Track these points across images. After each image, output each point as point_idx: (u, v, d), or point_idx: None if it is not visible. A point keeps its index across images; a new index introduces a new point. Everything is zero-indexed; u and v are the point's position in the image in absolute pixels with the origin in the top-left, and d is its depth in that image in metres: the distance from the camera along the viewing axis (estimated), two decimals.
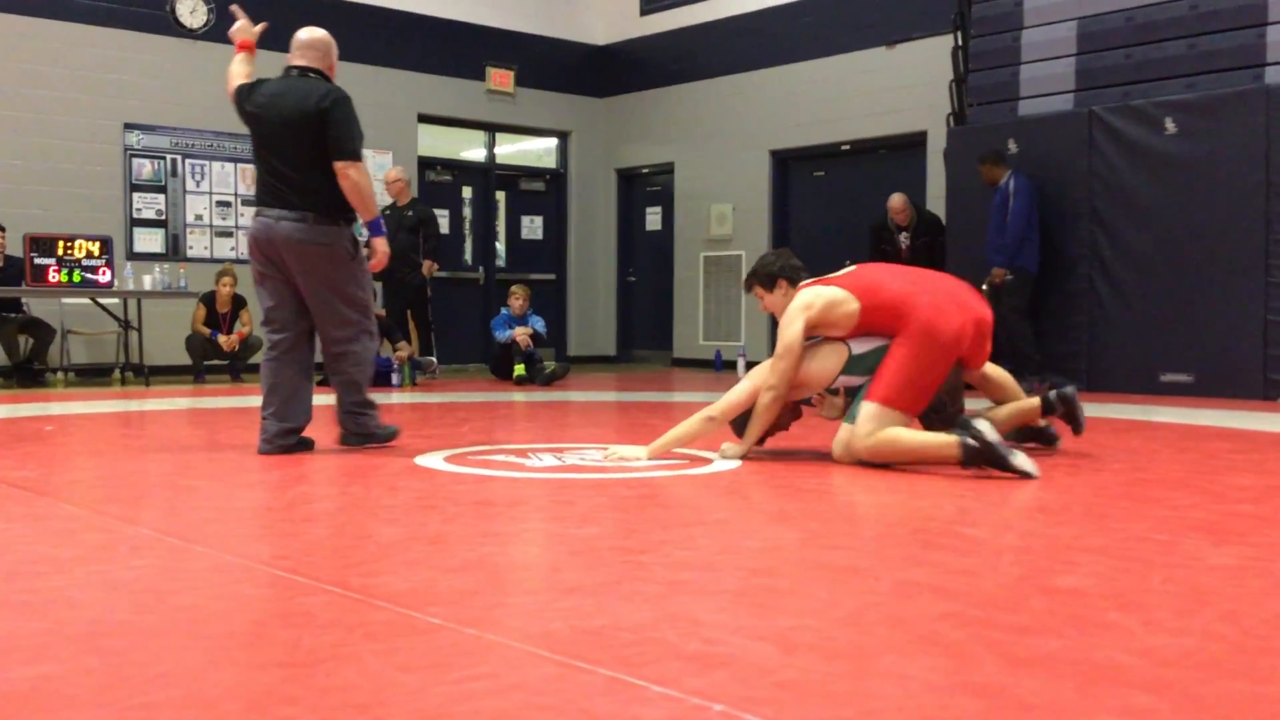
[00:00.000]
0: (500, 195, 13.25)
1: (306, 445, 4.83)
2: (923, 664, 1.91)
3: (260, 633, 2.10)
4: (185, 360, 10.10)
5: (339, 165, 4.55)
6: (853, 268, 4.73)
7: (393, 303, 10.18)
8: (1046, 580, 2.53)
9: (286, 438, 4.74)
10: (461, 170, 13.07)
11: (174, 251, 10.83)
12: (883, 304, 4.41)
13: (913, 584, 2.51)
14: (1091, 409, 7.11)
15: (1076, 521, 3.31)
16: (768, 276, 4.72)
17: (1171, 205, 8.44)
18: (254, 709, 1.68)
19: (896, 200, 9.85)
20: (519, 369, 9.93)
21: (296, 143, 4.59)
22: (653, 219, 13.56)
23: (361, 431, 4.84)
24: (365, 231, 4.86)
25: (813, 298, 4.51)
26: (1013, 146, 9.12)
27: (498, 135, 13.25)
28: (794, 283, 4.66)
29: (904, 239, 9.86)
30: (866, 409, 4.29)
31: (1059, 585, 2.48)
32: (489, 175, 13.20)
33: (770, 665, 1.89)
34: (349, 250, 4.66)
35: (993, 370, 4.82)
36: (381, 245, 4.78)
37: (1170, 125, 8.46)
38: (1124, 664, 1.90)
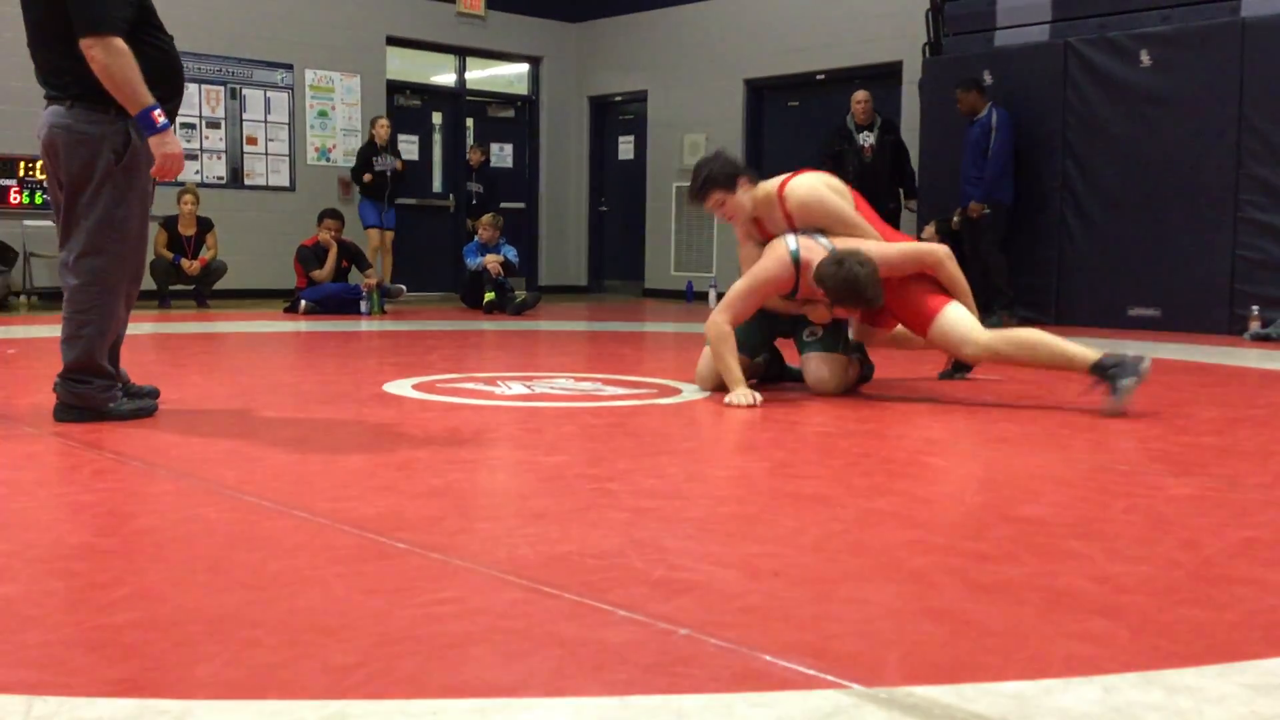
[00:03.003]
0: (470, 122, 13.08)
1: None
2: (885, 590, 1.93)
3: (224, 556, 2.09)
4: (150, 284, 9.98)
5: (82, 42, 3.34)
6: None
7: None
8: (1009, 509, 2.56)
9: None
10: (431, 95, 12.89)
11: None
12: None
13: (877, 512, 2.53)
14: None
15: (1041, 452, 3.34)
16: (727, 177, 4.29)
17: (1144, 139, 8.44)
18: (217, 631, 1.67)
19: (861, 93, 9.64)
20: (489, 295, 9.88)
21: (37, 9, 3.49)
22: (625, 148, 13.44)
23: (76, 404, 3.58)
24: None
25: (820, 179, 4.38)
26: (988, 78, 9.06)
27: (468, 60, 13.05)
28: (752, 179, 4.36)
29: (866, 138, 9.60)
30: (958, 311, 4.21)
31: (1022, 514, 2.50)
32: (459, 101, 13.02)
33: (735, 591, 1.90)
34: (115, 150, 3.47)
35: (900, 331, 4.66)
36: (160, 145, 3.41)
37: (1145, 58, 8.43)
38: (1084, 590, 1.92)
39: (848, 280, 4.06)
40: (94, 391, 3.57)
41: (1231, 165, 8.07)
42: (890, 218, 9.28)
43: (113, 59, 3.34)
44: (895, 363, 5.28)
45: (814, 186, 4.33)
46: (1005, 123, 8.73)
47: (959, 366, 4.83)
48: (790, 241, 4.25)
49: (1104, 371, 3.98)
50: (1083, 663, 1.58)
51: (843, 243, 4.22)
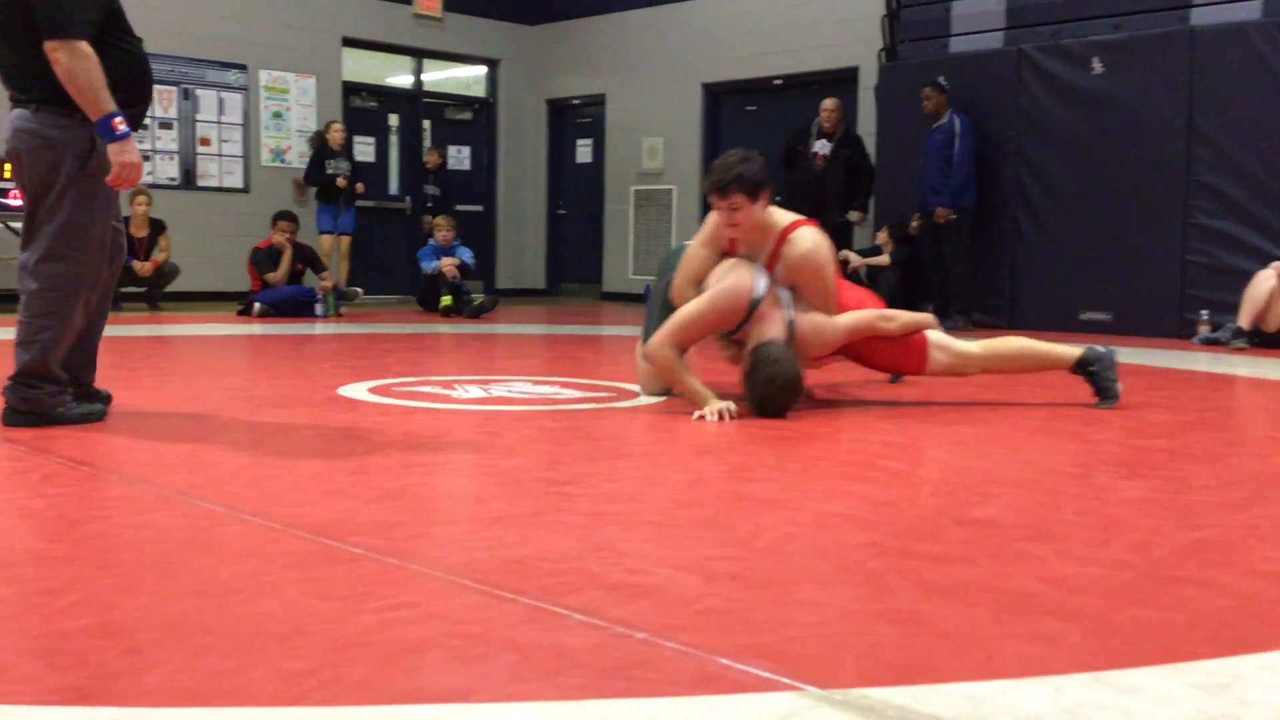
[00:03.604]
0: (427, 124, 13.02)
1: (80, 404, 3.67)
2: (841, 592, 1.94)
3: (175, 561, 2.06)
4: None
5: (46, 45, 3.29)
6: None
7: None
8: (964, 511, 2.58)
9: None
10: (387, 97, 12.81)
11: None
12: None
13: (834, 515, 2.54)
14: None
15: (994, 455, 3.37)
16: (756, 184, 3.97)
17: (1096, 145, 8.55)
18: (168, 637, 1.65)
19: (829, 101, 9.62)
20: (445, 300, 9.83)
21: (3, 11, 3.44)
22: (583, 151, 13.43)
23: (25, 409, 3.49)
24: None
25: (824, 246, 4.15)
26: (944, 84, 9.15)
27: (425, 62, 12.99)
28: (770, 197, 4.10)
29: (823, 146, 9.53)
30: (941, 339, 4.26)
31: (976, 516, 2.52)
32: (416, 103, 12.95)
33: (692, 594, 1.90)
34: (79, 156, 3.40)
35: None
36: (118, 153, 3.34)
37: (1097, 65, 8.54)
38: (1036, 592, 1.94)
39: (760, 399, 3.91)
40: (43, 396, 3.51)
41: (1181, 171, 8.20)
42: (842, 232, 9.27)
43: (76, 63, 3.29)
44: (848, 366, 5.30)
45: (819, 248, 4.10)
46: (968, 128, 8.82)
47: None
48: (760, 287, 4.02)
49: (1087, 368, 4.28)
50: (1035, 663, 1.60)
51: (803, 316, 4.09)
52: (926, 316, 4.37)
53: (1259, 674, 1.57)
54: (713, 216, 4.15)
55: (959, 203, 8.85)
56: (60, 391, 3.56)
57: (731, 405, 3.88)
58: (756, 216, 4.03)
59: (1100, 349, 4.33)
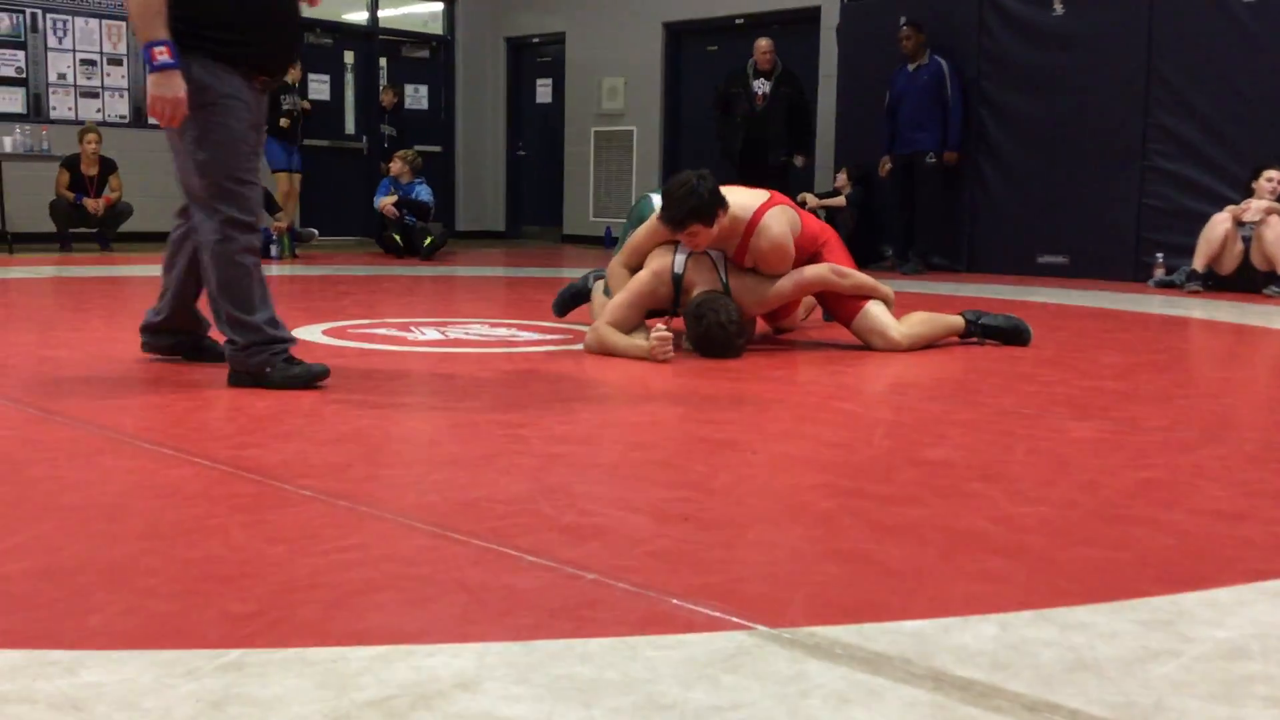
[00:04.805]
0: (383, 62, 12.80)
1: (181, 349, 3.74)
2: (792, 533, 1.95)
3: (120, 504, 2.04)
4: (51, 227, 9.66)
5: None
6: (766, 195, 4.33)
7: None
8: (916, 452, 2.59)
9: (148, 334, 3.73)
10: (342, 34, 12.57)
11: (35, 112, 10.27)
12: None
13: (788, 457, 2.55)
14: (969, 289, 7.28)
15: (948, 397, 3.39)
16: (708, 209, 3.95)
17: (1056, 87, 8.54)
18: (112, 581, 1.63)
19: (764, 41, 9.48)
20: (395, 237, 9.77)
21: None
22: (543, 91, 13.27)
23: (239, 368, 3.35)
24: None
25: (789, 220, 4.17)
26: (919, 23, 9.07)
27: None
28: (725, 208, 4.03)
29: (761, 86, 9.40)
30: (879, 309, 4.28)
31: (927, 457, 2.54)
32: (372, 40, 12.72)
33: (643, 535, 1.90)
34: (205, 93, 3.22)
35: None
36: (152, 84, 3.14)
37: (1058, 6, 8.51)
38: (985, 531, 1.96)
39: (706, 337, 3.98)
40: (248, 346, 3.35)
41: (1139, 114, 8.22)
42: (779, 174, 9.19)
43: None
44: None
45: (784, 237, 4.10)
46: (955, 71, 8.78)
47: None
48: (677, 262, 4.12)
49: (976, 324, 4.49)
50: (981, 601, 1.61)
51: (735, 279, 4.13)
52: (882, 289, 4.35)
53: (1201, 610, 1.60)
54: (638, 235, 4.23)
55: (955, 146, 8.84)
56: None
57: (662, 327, 3.95)
58: (716, 231, 4.01)
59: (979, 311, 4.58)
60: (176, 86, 3.14)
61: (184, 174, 3.32)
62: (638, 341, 3.97)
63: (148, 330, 3.72)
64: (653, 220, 4.19)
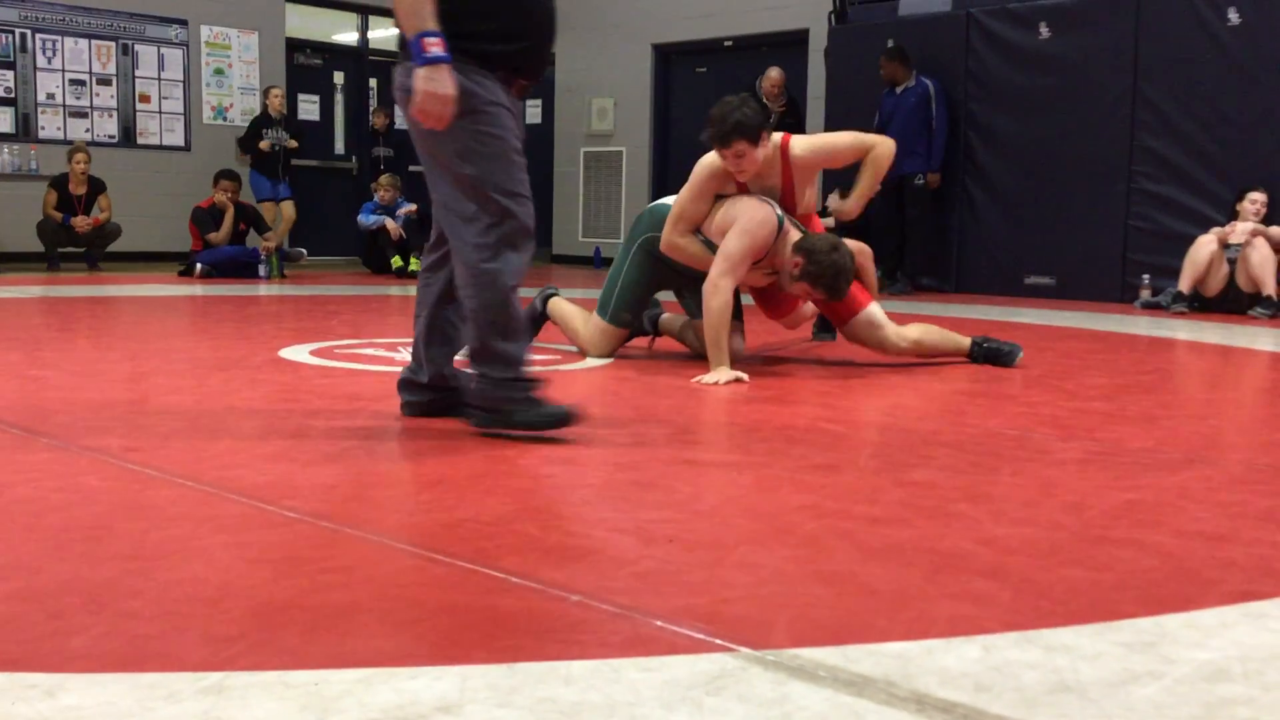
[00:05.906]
0: (373, 83, 12.82)
1: (438, 408, 3.18)
2: (777, 554, 1.95)
3: (104, 525, 2.03)
4: (39, 247, 9.65)
5: None
6: None
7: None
8: (902, 474, 2.60)
9: (408, 391, 3.22)
10: (332, 54, 12.60)
11: (24, 132, 10.28)
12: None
13: (773, 478, 2.55)
14: (956, 310, 7.30)
15: (935, 418, 3.40)
16: (755, 128, 3.96)
17: (1042, 110, 8.60)
18: (94, 602, 1.62)
19: (775, 72, 9.56)
20: (395, 261, 9.76)
21: None
22: (533, 112, 13.31)
23: (483, 405, 3.00)
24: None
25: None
26: (903, 50, 9.13)
27: (370, 18, 12.78)
28: (769, 134, 4.12)
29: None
30: (877, 311, 4.32)
31: (914, 478, 2.54)
32: (361, 60, 12.75)
33: (629, 557, 1.90)
34: (468, 100, 2.81)
35: None
36: (421, 79, 2.72)
37: (1044, 30, 8.58)
38: (970, 552, 1.96)
39: (836, 266, 4.02)
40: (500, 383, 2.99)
41: (1125, 135, 8.27)
42: None
43: None
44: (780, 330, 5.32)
45: (813, 137, 4.32)
46: (941, 92, 8.83)
47: (826, 327, 5.08)
48: (777, 209, 4.15)
49: (981, 348, 4.49)
50: (965, 623, 1.61)
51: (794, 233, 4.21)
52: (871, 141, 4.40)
53: (1183, 632, 1.60)
54: (700, 169, 4.21)
55: (936, 167, 8.89)
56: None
57: (743, 375, 3.94)
58: (761, 156, 4.06)
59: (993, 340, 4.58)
60: (449, 83, 2.74)
61: (442, 195, 2.95)
62: (726, 357, 3.98)
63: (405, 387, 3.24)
64: (694, 179, 4.20)
